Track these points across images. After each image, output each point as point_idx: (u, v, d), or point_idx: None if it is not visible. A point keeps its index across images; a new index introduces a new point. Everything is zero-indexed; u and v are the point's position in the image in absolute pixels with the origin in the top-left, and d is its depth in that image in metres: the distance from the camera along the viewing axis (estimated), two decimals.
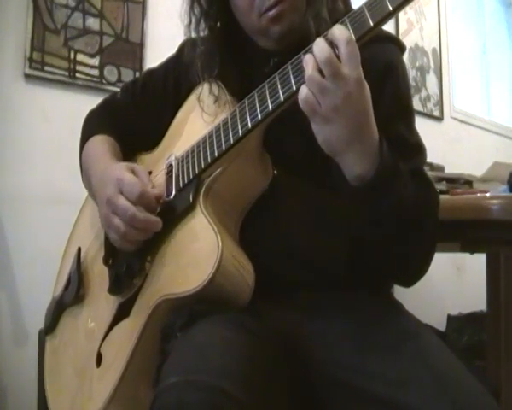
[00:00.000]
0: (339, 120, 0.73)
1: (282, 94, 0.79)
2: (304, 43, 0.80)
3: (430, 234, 0.87)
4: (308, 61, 0.74)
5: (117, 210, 0.88)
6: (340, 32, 0.72)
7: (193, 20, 1.00)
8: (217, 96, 0.97)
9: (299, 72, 0.77)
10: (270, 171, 0.91)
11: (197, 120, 0.99)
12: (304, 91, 0.73)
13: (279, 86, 0.80)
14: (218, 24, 1.00)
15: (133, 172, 0.93)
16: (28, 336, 1.81)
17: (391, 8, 0.71)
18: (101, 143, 1.09)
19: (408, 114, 0.96)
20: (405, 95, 0.96)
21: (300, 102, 0.74)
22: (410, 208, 0.81)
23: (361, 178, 0.77)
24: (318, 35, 0.77)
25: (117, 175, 0.91)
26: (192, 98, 1.03)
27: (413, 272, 0.90)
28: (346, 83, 0.72)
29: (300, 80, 0.77)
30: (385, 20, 0.73)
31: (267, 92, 0.82)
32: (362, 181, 0.77)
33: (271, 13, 0.89)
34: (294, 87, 0.78)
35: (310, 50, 0.75)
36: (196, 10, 0.99)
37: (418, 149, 0.93)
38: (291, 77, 0.79)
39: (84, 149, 1.11)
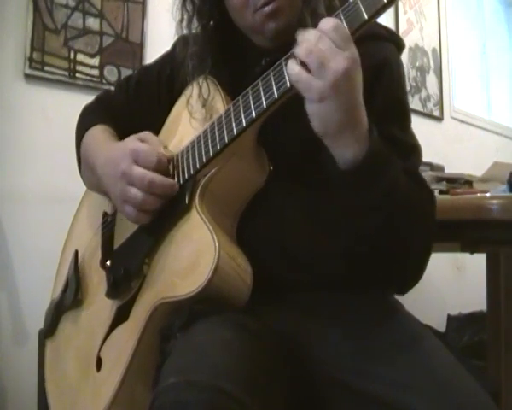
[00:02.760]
0: (336, 98, 0.71)
1: (277, 90, 0.78)
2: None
3: (425, 235, 0.85)
4: (305, 35, 0.72)
5: (134, 180, 0.87)
6: (327, 20, 0.72)
7: (185, 16, 0.98)
8: (206, 98, 0.96)
9: None
10: (266, 167, 0.90)
11: (187, 122, 0.99)
12: (295, 68, 0.72)
13: (273, 83, 0.78)
14: (211, 22, 0.98)
15: (143, 140, 0.93)
16: (28, 337, 1.81)
17: (385, 1, 0.70)
18: (101, 132, 1.08)
19: (402, 113, 0.93)
20: (400, 94, 0.94)
21: (292, 79, 0.72)
22: (404, 200, 0.79)
23: (352, 162, 0.76)
24: None
25: (130, 147, 0.91)
26: (182, 100, 1.02)
27: (407, 274, 0.87)
28: (347, 56, 0.70)
29: None
30: (379, 12, 0.71)
31: (261, 90, 0.80)
32: (353, 164, 0.76)
33: (267, 9, 0.87)
34: (288, 83, 0.76)
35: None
36: (189, 7, 0.98)
37: (412, 149, 0.91)
38: (285, 73, 0.77)
39: (84, 139, 1.09)
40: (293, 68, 0.73)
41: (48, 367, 1.09)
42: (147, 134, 0.95)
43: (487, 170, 1.69)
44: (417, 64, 3.40)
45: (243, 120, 0.82)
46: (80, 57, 2.05)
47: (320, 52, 0.70)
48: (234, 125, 0.84)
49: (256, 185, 0.90)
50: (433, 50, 3.55)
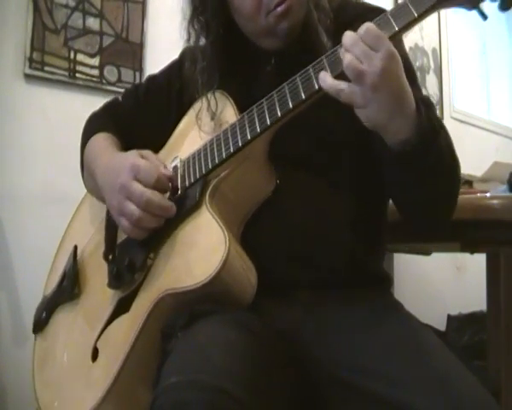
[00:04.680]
0: (379, 98, 0.74)
1: (291, 102, 0.81)
2: (304, 38, 0.80)
3: (458, 177, 0.90)
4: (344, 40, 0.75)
5: (132, 196, 0.87)
6: (362, 26, 0.75)
7: (192, 34, 1.00)
8: (214, 112, 0.97)
9: (307, 82, 0.80)
10: (273, 178, 0.92)
11: (197, 133, 1.00)
12: (342, 85, 0.75)
13: (288, 95, 0.82)
14: (218, 37, 0.99)
15: (143, 157, 0.93)
16: (28, 336, 1.79)
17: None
18: (103, 139, 1.09)
19: (413, 75, 0.98)
20: (408, 59, 0.98)
21: (334, 92, 0.75)
22: (447, 159, 0.84)
23: (405, 142, 0.78)
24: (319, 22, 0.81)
25: (131, 161, 0.91)
26: (191, 113, 1.04)
27: (448, 213, 0.92)
28: (378, 60, 0.73)
29: (309, 90, 0.80)
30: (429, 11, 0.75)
31: (276, 100, 0.84)
32: (406, 144, 0.78)
33: (280, 9, 0.90)
34: (304, 96, 0.80)
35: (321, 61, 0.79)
36: (196, 25, 1.00)
37: (429, 103, 0.94)
38: (300, 87, 0.81)
39: (87, 145, 1.11)
40: (331, 82, 0.75)
41: (37, 360, 1.07)
42: (148, 152, 0.96)
43: (487, 170, 1.69)
44: (417, 64, 3.40)
45: (257, 127, 0.85)
46: (80, 57, 2.05)
47: (355, 60, 0.73)
48: (248, 130, 0.86)
49: (264, 193, 0.91)
50: (433, 50, 3.55)
